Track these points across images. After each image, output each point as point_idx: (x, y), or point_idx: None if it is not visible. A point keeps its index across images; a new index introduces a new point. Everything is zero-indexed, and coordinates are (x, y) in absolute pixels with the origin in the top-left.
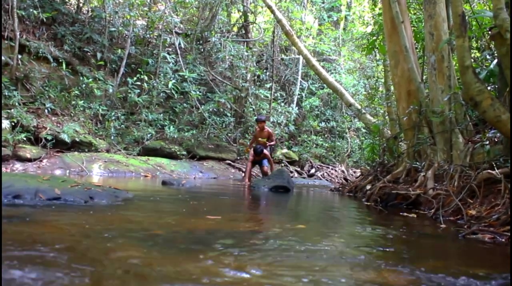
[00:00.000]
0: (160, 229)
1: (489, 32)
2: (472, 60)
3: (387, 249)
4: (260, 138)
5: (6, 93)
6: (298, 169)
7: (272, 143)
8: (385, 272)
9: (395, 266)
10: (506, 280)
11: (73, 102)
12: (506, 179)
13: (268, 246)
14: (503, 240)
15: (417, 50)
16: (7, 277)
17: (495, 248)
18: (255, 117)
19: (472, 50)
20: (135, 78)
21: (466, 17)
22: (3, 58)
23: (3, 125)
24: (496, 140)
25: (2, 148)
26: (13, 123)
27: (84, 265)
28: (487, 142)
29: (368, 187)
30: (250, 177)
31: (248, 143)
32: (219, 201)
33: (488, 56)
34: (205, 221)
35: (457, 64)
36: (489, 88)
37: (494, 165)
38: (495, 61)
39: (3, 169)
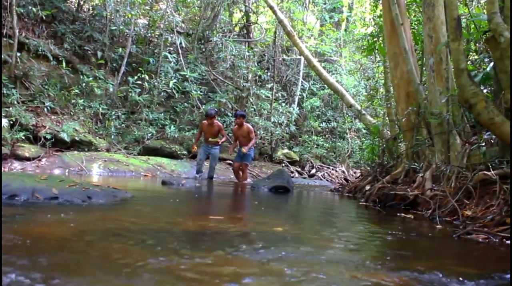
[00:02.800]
0: (155, 229)
1: (486, 35)
2: (470, 62)
3: (382, 249)
4: (210, 138)
5: (5, 91)
6: (299, 169)
7: (223, 139)
8: (379, 272)
9: (389, 266)
10: (497, 280)
11: (73, 101)
12: (501, 180)
13: (260, 248)
14: (496, 240)
15: (417, 52)
16: None
17: (488, 248)
18: (206, 111)
19: (470, 53)
20: (136, 77)
21: (464, 21)
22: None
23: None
24: (492, 142)
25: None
26: (11, 122)
27: (64, 266)
28: (483, 144)
29: (367, 187)
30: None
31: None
32: (217, 202)
33: (486, 59)
34: (198, 221)
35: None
36: (485, 91)
37: (490, 166)
38: (492, 64)
39: None
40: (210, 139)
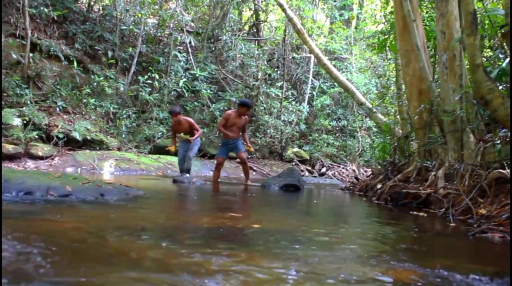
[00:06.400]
0: (167, 225)
1: (501, 31)
2: (485, 59)
3: (396, 247)
4: (183, 134)
5: (18, 92)
6: (309, 168)
7: (198, 134)
8: (394, 269)
9: (404, 264)
10: None
11: (84, 100)
12: None
13: (273, 246)
14: None
15: (429, 49)
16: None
17: (504, 246)
18: (169, 110)
19: (485, 49)
20: (146, 77)
21: (478, 15)
22: (14, 56)
23: (15, 123)
24: (507, 139)
25: (15, 146)
26: (25, 122)
27: (78, 261)
28: (498, 141)
29: (379, 186)
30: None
31: (175, 143)
32: (228, 200)
33: (501, 55)
34: (210, 219)
35: (469, 63)
36: (501, 87)
37: (505, 165)
38: (507, 60)
39: (15, 167)
40: (182, 135)
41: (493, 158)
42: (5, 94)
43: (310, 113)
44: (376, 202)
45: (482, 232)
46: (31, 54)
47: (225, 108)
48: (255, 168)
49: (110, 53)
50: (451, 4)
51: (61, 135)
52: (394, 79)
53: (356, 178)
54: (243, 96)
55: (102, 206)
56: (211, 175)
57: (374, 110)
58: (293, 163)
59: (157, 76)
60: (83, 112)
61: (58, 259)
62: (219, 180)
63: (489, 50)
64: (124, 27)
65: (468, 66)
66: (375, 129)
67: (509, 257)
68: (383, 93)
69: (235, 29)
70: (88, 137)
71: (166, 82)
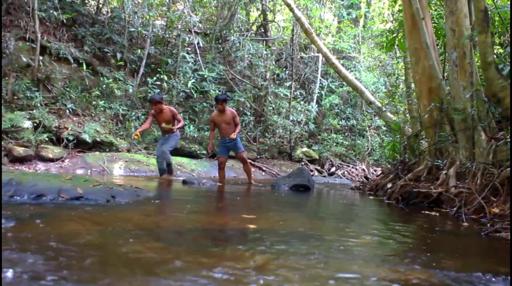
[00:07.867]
0: (180, 227)
1: None
2: (495, 56)
3: (408, 247)
4: (163, 124)
5: (28, 94)
6: (319, 168)
7: (180, 125)
8: (405, 270)
9: (417, 264)
10: None
11: (93, 102)
12: None
13: (278, 245)
14: None
15: (438, 47)
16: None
17: None
18: (150, 98)
19: (495, 46)
20: (154, 78)
21: (489, 12)
22: (24, 59)
23: (25, 126)
24: None
25: (25, 148)
26: (35, 124)
27: (92, 264)
28: (510, 139)
29: (389, 185)
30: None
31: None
32: (237, 200)
33: None
34: (222, 220)
35: (479, 61)
36: None
37: None
38: None
39: (26, 169)
40: (163, 125)
41: (505, 156)
42: (15, 97)
43: (319, 113)
44: (387, 201)
45: (496, 231)
46: (41, 57)
47: (234, 108)
48: (264, 168)
49: (118, 55)
50: (461, 1)
51: (71, 138)
52: (403, 77)
53: (366, 178)
54: (251, 96)
55: (113, 208)
56: None
57: (383, 109)
58: (303, 163)
59: (165, 78)
60: (93, 114)
61: (67, 262)
62: (224, 180)
63: (499, 47)
64: (132, 29)
65: (478, 64)
66: (384, 128)
67: None
68: (392, 92)
69: (242, 30)
70: (98, 139)
71: (174, 84)
